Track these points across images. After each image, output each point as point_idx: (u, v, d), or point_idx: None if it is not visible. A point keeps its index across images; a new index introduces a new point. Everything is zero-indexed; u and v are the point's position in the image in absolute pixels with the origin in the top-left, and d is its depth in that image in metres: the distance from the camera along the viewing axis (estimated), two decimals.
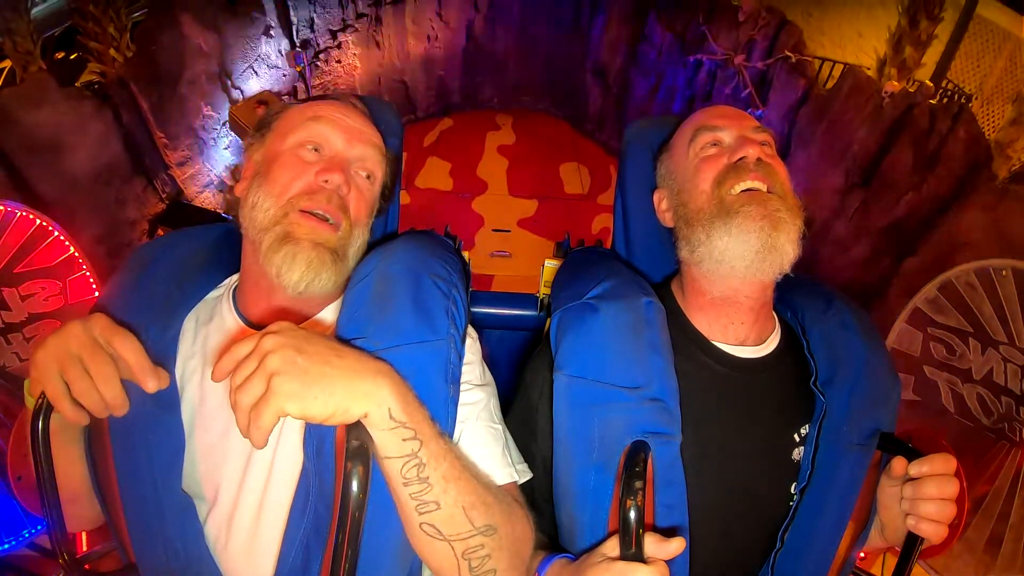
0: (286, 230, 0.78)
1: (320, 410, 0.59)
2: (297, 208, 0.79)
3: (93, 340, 0.68)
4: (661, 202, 0.98)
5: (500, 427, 0.83)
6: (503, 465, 0.79)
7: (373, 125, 0.91)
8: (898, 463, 0.79)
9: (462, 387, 0.79)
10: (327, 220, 0.80)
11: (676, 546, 0.65)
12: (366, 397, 0.62)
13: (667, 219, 0.96)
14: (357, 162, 0.85)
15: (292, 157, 0.83)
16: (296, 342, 0.61)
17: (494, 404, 0.84)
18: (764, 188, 0.83)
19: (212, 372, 0.63)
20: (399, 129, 1.10)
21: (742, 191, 0.84)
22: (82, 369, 0.67)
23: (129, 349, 0.69)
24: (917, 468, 0.77)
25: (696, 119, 0.94)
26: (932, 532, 0.75)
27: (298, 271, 0.77)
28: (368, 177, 0.87)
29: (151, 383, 0.70)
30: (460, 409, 0.78)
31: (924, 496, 0.76)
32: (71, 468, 0.81)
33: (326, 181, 0.80)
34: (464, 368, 0.80)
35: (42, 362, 0.67)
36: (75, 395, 0.67)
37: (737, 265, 0.82)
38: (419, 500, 0.64)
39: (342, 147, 0.84)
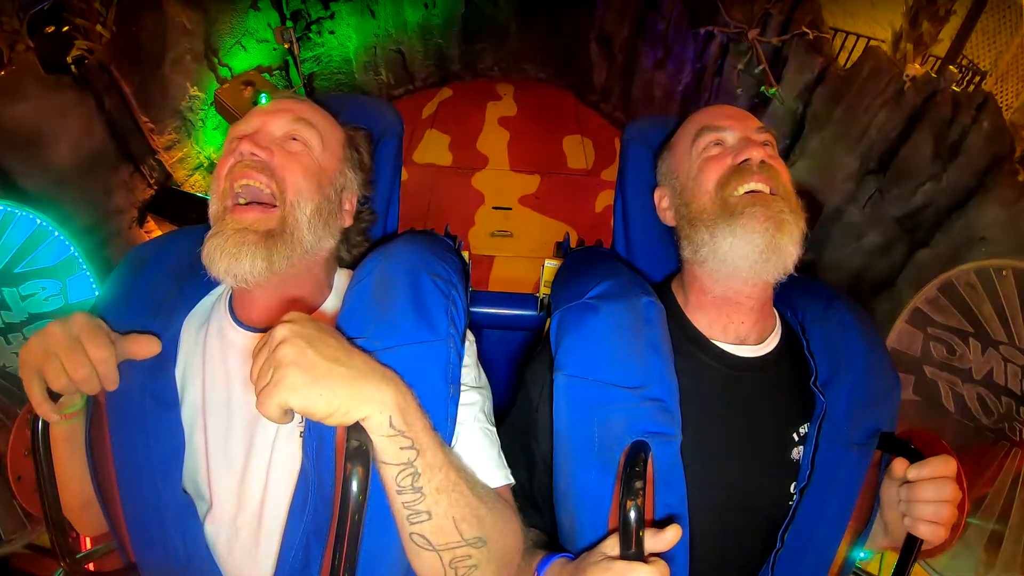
0: (218, 228, 0.78)
1: (322, 407, 0.60)
2: (232, 200, 0.79)
3: (72, 339, 0.71)
4: (662, 200, 0.97)
5: (495, 429, 0.84)
6: (499, 467, 0.80)
7: (309, 104, 0.91)
8: (898, 464, 0.81)
9: (463, 388, 0.79)
10: (260, 201, 0.80)
11: (672, 535, 0.67)
12: (369, 401, 0.62)
13: (668, 218, 0.96)
14: (280, 131, 0.84)
15: (224, 151, 0.85)
16: (308, 334, 0.62)
17: (488, 407, 0.85)
18: (767, 190, 0.84)
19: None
20: (399, 127, 1.09)
21: (746, 192, 0.84)
22: (60, 367, 0.70)
23: (96, 353, 0.72)
24: (916, 472, 0.79)
25: (699, 118, 0.93)
26: (929, 534, 0.78)
27: (223, 263, 0.76)
28: (296, 140, 0.85)
29: (111, 387, 0.75)
30: (459, 410, 0.78)
31: (921, 499, 0.78)
32: (83, 474, 0.83)
33: (240, 153, 0.80)
34: (462, 371, 0.80)
35: (24, 360, 0.72)
36: (53, 389, 0.71)
37: (741, 265, 0.82)
38: (411, 509, 0.66)
39: (259, 124, 0.85)
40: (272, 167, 0.80)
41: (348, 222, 0.92)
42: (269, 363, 0.60)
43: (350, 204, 0.92)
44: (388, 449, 0.63)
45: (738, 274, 0.83)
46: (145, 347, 0.79)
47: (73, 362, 0.71)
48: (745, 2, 3.36)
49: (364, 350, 0.69)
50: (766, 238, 0.80)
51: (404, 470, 0.64)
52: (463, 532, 0.67)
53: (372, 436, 0.63)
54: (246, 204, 0.79)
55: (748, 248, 0.81)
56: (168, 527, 0.78)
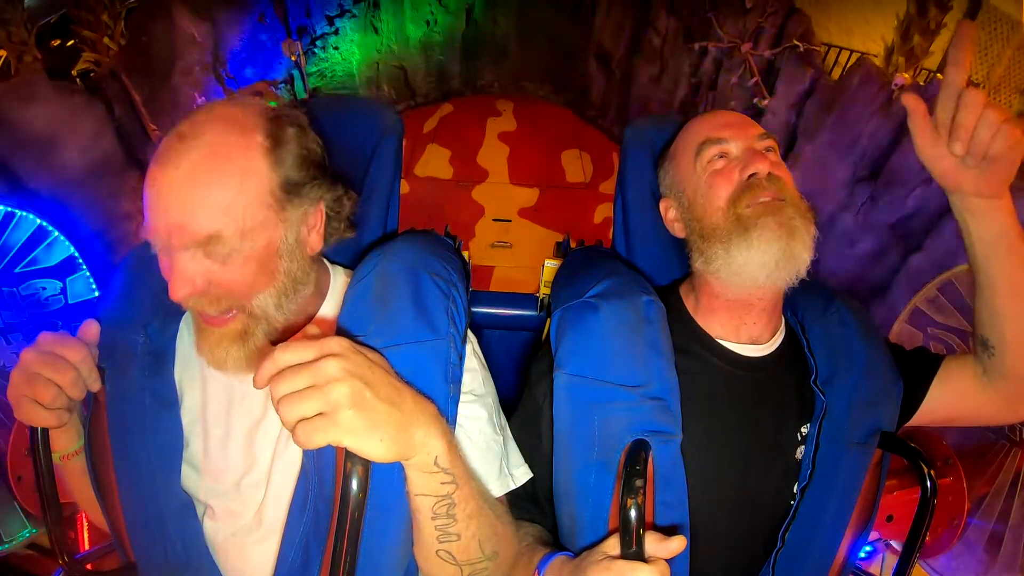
0: (198, 328, 0.78)
1: (379, 453, 0.59)
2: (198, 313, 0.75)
3: (44, 354, 0.73)
4: (668, 211, 0.97)
5: (501, 436, 0.84)
6: (499, 477, 0.81)
7: (201, 184, 0.68)
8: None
9: (465, 398, 0.79)
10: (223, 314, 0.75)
11: (677, 544, 0.66)
12: (419, 445, 0.63)
13: (677, 230, 0.96)
14: (192, 268, 0.70)
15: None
16: (363, 372, 0.59)
17: (496, 414, 0.85)
18: (776, 198, 0.84)
19: (254, 378, 0.58)
20: (399, 127, 1.07)
21: (755, 203, 0.84)
22: (45, 380, 0.72)
23: (73, 354, 0.75)
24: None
25: (699, 129, 0.93)
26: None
27: (211, 359, 0.77)
28: (215, 252, 0.70)
29: (95, 387, 0.78)
30: (464, 423, 0.78)
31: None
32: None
33: (176, 300, 0.71)
34: (466, 377, 0.80)
35: (12, 396, 0.73)
36: (49, 406, 0.73)
37: (758, 275, 0.82)
38: (443, 531, 0.67)
39: (168, 266, 0.71)
40: (210, 295, 0.72)
41: (318, 245, 0.80)
42: (318, 395, 0.56)
43: (316, 221, 0.79)
44: (429, 484, 0.65)
45: (755, 283, 0.84)
46: (88, 330, 0.80)
47: (56, 370, 0.73)
48: (738, 17, 3.44)
49: (413, 385, 0.67)
50: (780, 246, 0.80)
51: (441, 501, 0.66)
52: (484, 549, 0.71)
53: (413, 473, 0.64)
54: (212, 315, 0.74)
55: (764, 258, 0.81)
56: (167, 526, 0.78)
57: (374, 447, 0.58)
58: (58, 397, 0.73)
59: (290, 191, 0.73)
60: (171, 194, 0.67)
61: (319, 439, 0.56)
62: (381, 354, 0.67)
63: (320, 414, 0.57)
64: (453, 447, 0.67)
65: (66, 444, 0.83)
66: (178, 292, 0.69)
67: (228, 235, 0.69)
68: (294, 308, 0.79)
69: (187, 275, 0.69)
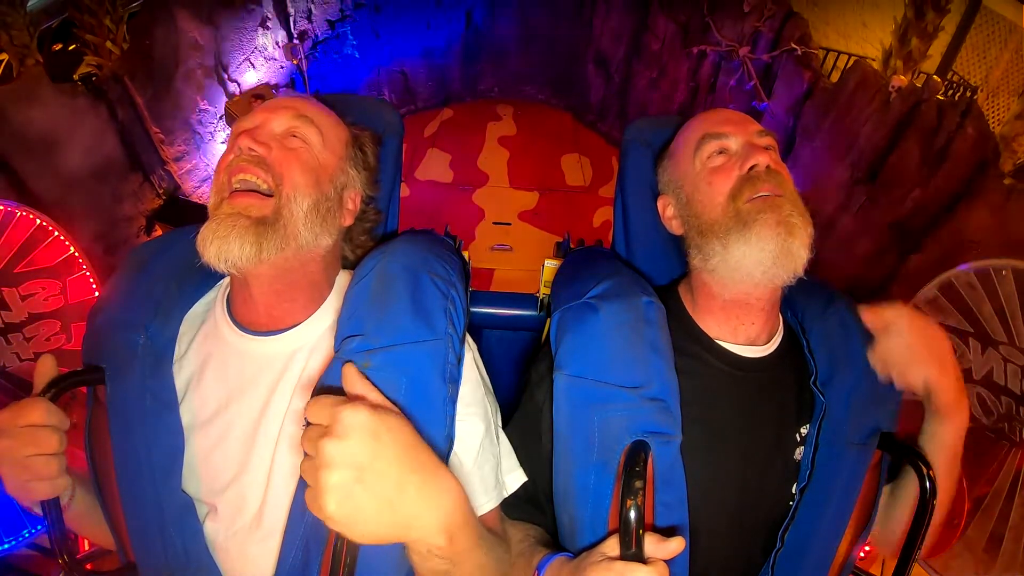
0: (213, 215, 0.77)
1: (363, 540, 0.59)
2: (229, 191, 0.78)
3: (13, 436, 0.71)
4: (666, 209, 0.96)
5: (499, 448, 0.84)
6: (492, 488, 0.82)
7: (312, 102, 0.91)
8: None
9: (464, 412, 0.79)
10: (257, 191, 0.78)
11: (676, 546, 0.66)
12: (417, 535, 0.61)
13: (674, 227, 0.96)
14: (281, 128, 0.84)
15: (227, 147, 0.84)
16: (359, 462, 0.57)
17: (495, 424, 0.85)
18: (775, 194, 0.83)
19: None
20: (399, 127, 1.08)
21: (755, 197, 0.83)
22: (37, 459, 0.71)
23: (38, 415, 0.72)
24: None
25: (699, 125, 0.93)
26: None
27: (213, 247, 0.74)
28: (296, 137, 0.84)
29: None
30: (461, 438, 0.79)
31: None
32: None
33: (239, 148, 0.80)
34: (464, 389, 0.80)
35: (12, 487, 0.72)
36: (55, 477, 0.73)
37: (755, 272, 0.82)
38: None
39: (262, 120, 0.84)
40: (269, 162, 0.79)
41: (349, 221, 0.90)
42: (313, 472, 0.57)
43: (352, 203, 0.90)
44: (425, 564, 0.65)
45: (751, 280, 0.83)
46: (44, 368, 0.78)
47: (37, 443, 0.71)
48: (735, 21, 3.46)
49: (433, 461, 0.64)
50: (778, 243, 0.80)
51: (436, 572, 0.67)
52: None
53: (408, 548, 0.65)
54: (242, 191, 0.78)
55: (761, 255, 0.81)
56: (168, 527, 0.78)
57: (358, 535, 0.58)
58: (57, 463, 0.73)
59: (353, 159, 0.91)
60: (286, 98, 0.87)
61: (312, 510, 0.57)
62: (403, 418, 0.63)
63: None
64: (459, 532, 0.64)
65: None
66: (257, 135, 0.80)
67: (316, 125, 0.85)
68: (312, 242, 0.82)
69: (270, 130, 0.83)
